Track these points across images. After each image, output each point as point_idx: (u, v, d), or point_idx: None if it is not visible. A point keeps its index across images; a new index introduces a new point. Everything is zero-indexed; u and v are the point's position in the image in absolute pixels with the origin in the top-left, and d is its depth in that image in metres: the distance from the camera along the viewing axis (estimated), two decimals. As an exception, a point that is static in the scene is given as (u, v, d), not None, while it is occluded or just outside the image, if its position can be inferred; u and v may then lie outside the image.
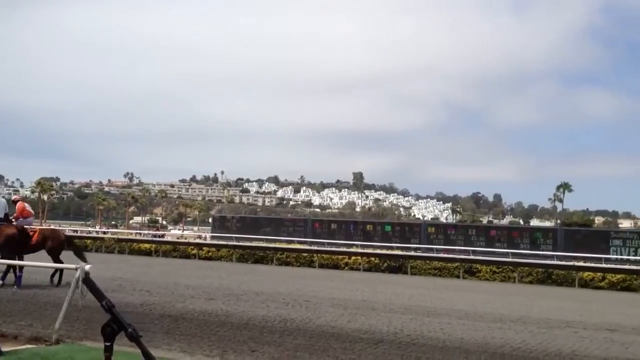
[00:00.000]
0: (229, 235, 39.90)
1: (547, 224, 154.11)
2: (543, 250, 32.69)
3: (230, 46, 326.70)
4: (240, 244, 36.37)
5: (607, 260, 30.10)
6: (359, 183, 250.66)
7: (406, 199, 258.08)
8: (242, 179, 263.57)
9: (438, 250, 34.02)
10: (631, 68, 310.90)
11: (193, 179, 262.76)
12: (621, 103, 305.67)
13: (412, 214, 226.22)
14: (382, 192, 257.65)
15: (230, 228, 42.09)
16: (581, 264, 28.11)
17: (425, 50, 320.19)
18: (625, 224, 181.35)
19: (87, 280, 2.63)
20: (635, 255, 30.97)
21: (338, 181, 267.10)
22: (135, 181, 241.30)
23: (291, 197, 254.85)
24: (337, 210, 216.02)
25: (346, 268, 31.04)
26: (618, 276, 26.50)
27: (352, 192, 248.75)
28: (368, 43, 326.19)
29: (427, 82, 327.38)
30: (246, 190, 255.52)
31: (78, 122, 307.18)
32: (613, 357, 9.83)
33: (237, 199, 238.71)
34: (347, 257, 31.93)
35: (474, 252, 32.56)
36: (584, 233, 37.23)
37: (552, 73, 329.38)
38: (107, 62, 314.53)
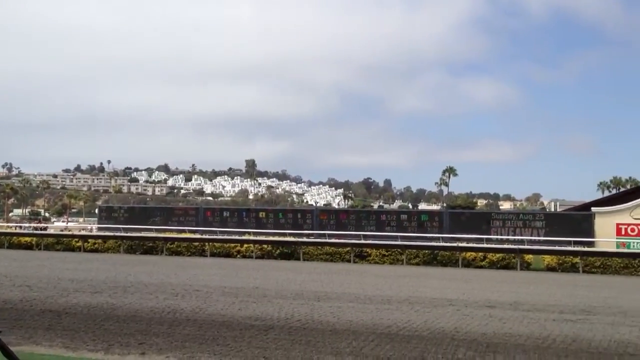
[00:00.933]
0: (117, 226, 38.72)
1: (434, 207, 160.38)
2: (430, 232, 33.90)
3: (119, 32, 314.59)
4: (129, 234, 35.41)
5: (489, 241, 31.64)
6: (251, 170, 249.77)
7: (299, 185, 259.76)
8: (130, 168, 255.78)
9: (330, 236, 34.53)
10: (513, 57, 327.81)
11: (78, 169, 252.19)
12: (503, 91, 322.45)
13: (305, 201, 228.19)
14: (274, 179, 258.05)
15: (117, 219, 40.86)
16: (464, 244, 29.44)
17: (320, 37, 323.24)
18: (505, 205, 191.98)
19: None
20: (514, 235, 32.74)
21: (230, 169, 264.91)
22: (15, 172, 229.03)
23: (182, 185, 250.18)
24: (229, 198, 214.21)
25: (238, 256, 30.93)
26: (498, 255, 27.98)
27: (245, 180, 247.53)
28: (261, 29, 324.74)
29: (321, 70, 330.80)
30: (135, 180, 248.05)
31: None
32: (491, 332, 10.35)
33: (125, 189, 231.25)
34: (239, 245, 31.79)
35: (365, 237, 33.33)
36: (468, 215, 38.88)
37: (441, 62, 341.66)
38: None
